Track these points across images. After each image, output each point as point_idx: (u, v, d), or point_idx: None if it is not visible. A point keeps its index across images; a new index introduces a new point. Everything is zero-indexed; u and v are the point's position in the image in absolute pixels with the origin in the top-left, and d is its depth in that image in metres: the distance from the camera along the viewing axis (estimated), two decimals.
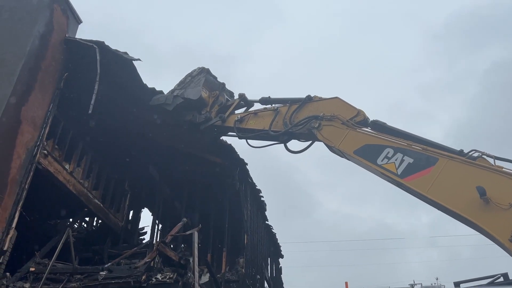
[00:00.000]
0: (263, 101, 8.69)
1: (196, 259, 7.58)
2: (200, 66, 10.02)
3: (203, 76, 9.66)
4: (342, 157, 6.93)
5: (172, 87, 10.08)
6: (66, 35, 9.59)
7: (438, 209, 5.40)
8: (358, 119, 7.00)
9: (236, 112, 9.14)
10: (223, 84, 9.80)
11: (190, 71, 10.09)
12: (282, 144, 8.29)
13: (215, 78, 9.83)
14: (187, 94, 9.53)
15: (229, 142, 11.10)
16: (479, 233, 5.01)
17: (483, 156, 5.41)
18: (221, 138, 10.38)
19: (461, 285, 7.24)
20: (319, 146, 7.78)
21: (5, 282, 7.33)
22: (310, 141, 7.80)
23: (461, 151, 5.65)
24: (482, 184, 4.95)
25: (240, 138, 8.73)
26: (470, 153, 5.52)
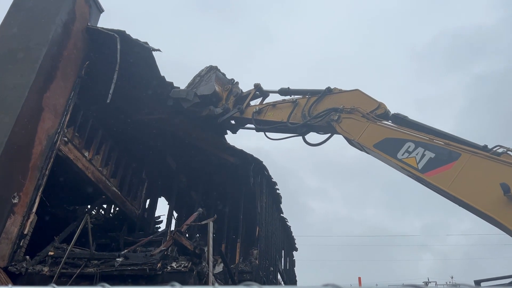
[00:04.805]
0: (282, 92, 8.61)
1: (211, 249, 7.60)
2: (208, 65, 10.06)
3: (213, 73, 9.71)
4: (361, 150, 6.82)
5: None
6: (88, 24, 9.67)
7: (459, 205, 5.27)
8: (379, 112, 6.85)
9: (253, 103, 9.09)
10: (233, 80, 9.82)
11: (197, 72, 10.14)
12: (293, 139, 8.22)
13: (224, 75, 9.86)
14: (200, 91, 9.55)
15: (233, 139, 11.11)
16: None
17: (508, 152, 5.23)
18: (233, 135, 10.35)
19: (481, 283, 7.06)
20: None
21: (24, 265, 7.48)
22: (329, 134, 7.70)
23: (485, 146, 5.48)
24: (507, 181, 4.79)
25: (257, 130, 8.67)
26: (494, 149, 5.34)
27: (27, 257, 7.67)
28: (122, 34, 9.28)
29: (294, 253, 16.91)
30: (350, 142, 7.00)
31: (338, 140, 7.83)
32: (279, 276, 13.32)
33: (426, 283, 33.57)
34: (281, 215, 14.57)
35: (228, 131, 10.26)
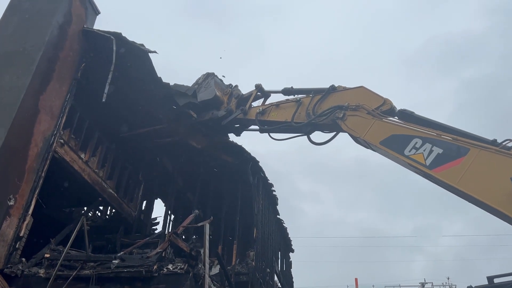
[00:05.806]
0: (286, 91, 8.54)
1: (207, 251, 7.58)
2: (204, 73, 10.09)
3: (211, 78, 9.75)
4: (367, 148, 6.78)
5: None
6: (84, 26, 9.60)
7: (469, 202, 5.25)
8: (385, 108, 6.81)
9: (254, 104, 9.04)
10: (231, 85, 9.85)
11: (194, 81, 10.16)
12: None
13: (222, 80, 9.89)
14: (200, 97, 9.57)
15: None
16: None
17: None
18: (234, 135, 10.30)
19: (494, 279, 7.07)
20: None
21: (20, 267, 7.40)
22: (334, 132, 7.66)
23: (494, 140, 5.43)
24: None
25: (261, 131, 8.61)
26: (504, 143, 5.29)
27: (23, 259, 7.57)
28: (118, 36, 9.25)
29: (291, 254, 16.91)
30: (355, 139, 6.97)
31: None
32: (275, 278, 13.28)
33: (423, 284, 33.66)
34: (278, 216, 14.57)
35: (231, 134, 10.22)
